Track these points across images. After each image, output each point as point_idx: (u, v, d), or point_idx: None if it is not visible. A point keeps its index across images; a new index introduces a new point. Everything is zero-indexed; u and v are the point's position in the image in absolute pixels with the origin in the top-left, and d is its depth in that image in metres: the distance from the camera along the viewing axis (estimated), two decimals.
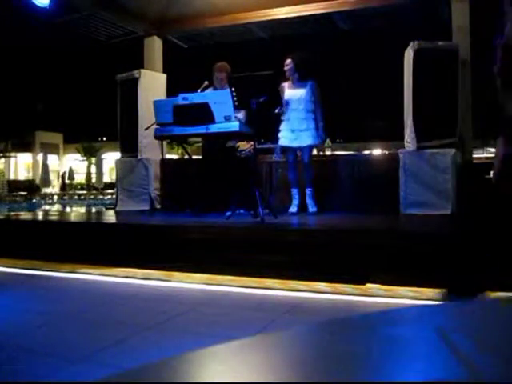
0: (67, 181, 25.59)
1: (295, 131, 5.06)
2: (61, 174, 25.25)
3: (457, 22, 5.73)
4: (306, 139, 5.04)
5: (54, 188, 26.90)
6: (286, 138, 5.12)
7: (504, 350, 0.46)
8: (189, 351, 0.46)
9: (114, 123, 6.91)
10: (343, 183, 5.58)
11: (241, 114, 5.05)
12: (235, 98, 4.54)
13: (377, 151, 24.10)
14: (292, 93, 5.11)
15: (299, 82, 5.13)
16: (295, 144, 5.09)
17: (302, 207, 5.24)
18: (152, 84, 6.51)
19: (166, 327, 2.55)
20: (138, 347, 2.21)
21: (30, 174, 30.55)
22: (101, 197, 19.46)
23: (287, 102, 5.10)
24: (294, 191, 5.22)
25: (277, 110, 5.15)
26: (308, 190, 5.14)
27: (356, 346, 0.50)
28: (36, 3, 5.81)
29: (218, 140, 5.31)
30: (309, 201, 5.15)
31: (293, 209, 5.19)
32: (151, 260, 4.02)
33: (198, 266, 3.81)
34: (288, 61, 5.16)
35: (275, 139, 5.33)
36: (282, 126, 5.17)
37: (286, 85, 5.19)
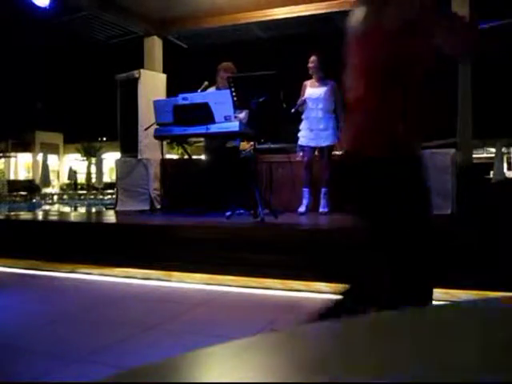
0: (67, 181, 25.61)
1: (314, 130, 5.04)
2: (66, 173, 25.45)
3: None
4: (324, 139, 5.01)
5: (54, 188, 26.90)
6: (304, 137, 5.10)
7: (504, 350, 0.46)
8: (189, 351, 0.46)
9: (114, 123, 6.91)
10: (343, 183, 5.56)
11: (243, 114, 5.05)
12: (235, 98, 4.54)
13: None
14: (312, 92, 5.08)
15: (321, 81, 5.10)
16: (313, 143, 5.07)
17: (311, 208, 5.20)
18: (152, 84, 6.50)
19: (166, 327, 2.55)
20: (138, 347, 2.21)
21: (30, 174, 30.53)
22: (101, 197, 19.44)
23: (305, 101, 5.09)
24: (305, 190, 5.15)
25: (293, 110, 5.13)
26: (323, 190, 5.11)
27: (356, 346, 0.50)
28: (36, 3, 5.81)
29: (220, 140, 5.31)
30: (323, 200, 5.12)
31: (301, 208, 5.11)
32: (151, 260, 4.02)
33: (197, 266, 3.81)
34: (313, 58, 5.10)
35: (278, 140, 5.32)
36: (302, 125, 5.16)
37: (308, 83, 5.16)
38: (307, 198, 5.15)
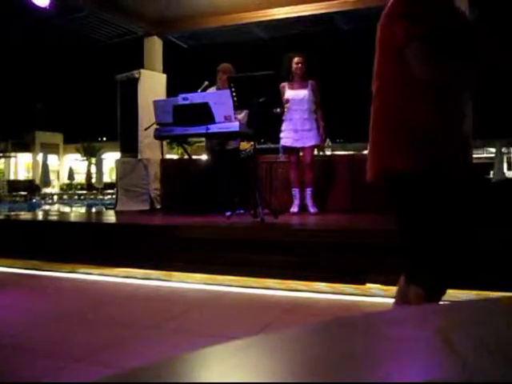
0: (67, 181, 25.60)
1: (298, 131, 5.04)
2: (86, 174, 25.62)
3: None
4: (309, 139, 5.02)
5: (54, 188, 26.90)
6: (289, 138, 5.09)
7: (504, 350, 0.46)
8: (189, 351, 0.46)
9: (114, 123, 6.91)
10: (343, 183, 5.58)
11: (242, 115, 5.05)
12: (235, 98, 4.54)
13: None
14: (294, 93, 5.07)
15: (301, 82, 5.11)
16: (299, 144, 5.09)
17: (304, 207, 5.24)
18: (152, 84, 6.50)
19: (166, 327, 2.55)
20: (138, 347, 2.21)
21: (30, 174, 30.54)
22: (101, 197, 19.43)
23: (288, 102, 5.07)
24: (295, 191, 5.20)
25: (278, 110, 5.12)
26: (308, 191, 5.13)
27: (356, 346, 0.50)
28: (36, 3, 5.81)
29: (220, 141, 5.31)
30: (309, 201, 5.15)
31: (294, 208, 5.18)
32: (151, 260, 4.02)
33: (198, 266, 3.81)
34: (300, 59, 5.09)
35: (277, 139, 5.31)
36: (285, 126, 5.13)
37: (286, 84, 5.15)
38: (298, 199, 5.21)
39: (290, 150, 5.15)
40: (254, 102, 4.43)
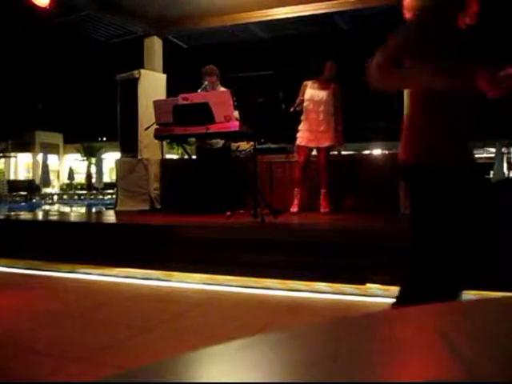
0: (67, 181, 25.61)
1: (313, 131, 5.06)
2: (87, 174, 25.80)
3: None
4: (323, 140, 5.03)
5: (54, 188, 26.90)
6: (303, 137, 5.10)
7: (504, 350, 0.46)
8: (189, 351, 0.46)
9: (114, 123, 6.91)
10: (343, 183, 5.58)
11: (235, 113, 5.05)
12: (235, 98, 4.54)
13: (377, 151, 24.09)
14: (314, 93, 5.08)
15: (323, 84, 5.11)
16: (313, 144, 5.09)
17: (304, 207, 5.24)
18: (152, 84, 6.50)
19: (166, 327, 2.55)
20: (138, 347, 2.21)
21: (30, 174, 30.54)
22: (101, 197, 19.43)
23: (306, 102, 5.08)
24: (297, 191, 5.20)
25: (292, 109, 5.13)
26: (323, 191, 5.14)
27: (356, 346, 0.50)
28: (36, 3, 5.81)
29: (209, 140, 5.32)
30: (323, 201, 5.15)
31: (294, 208, 5.17)
32: (151, 260, 4.02)
33: (197, 266, 3.81)
34: (332, 64, 5.12)
35: (277, 139, 5.32)
36: (301, 126, 5.16)
37: (309, 84, 5.15)
38: (299, 199, 5.20)
39: (301, 149, 5.14)
40: (252, 102, 4.43)
